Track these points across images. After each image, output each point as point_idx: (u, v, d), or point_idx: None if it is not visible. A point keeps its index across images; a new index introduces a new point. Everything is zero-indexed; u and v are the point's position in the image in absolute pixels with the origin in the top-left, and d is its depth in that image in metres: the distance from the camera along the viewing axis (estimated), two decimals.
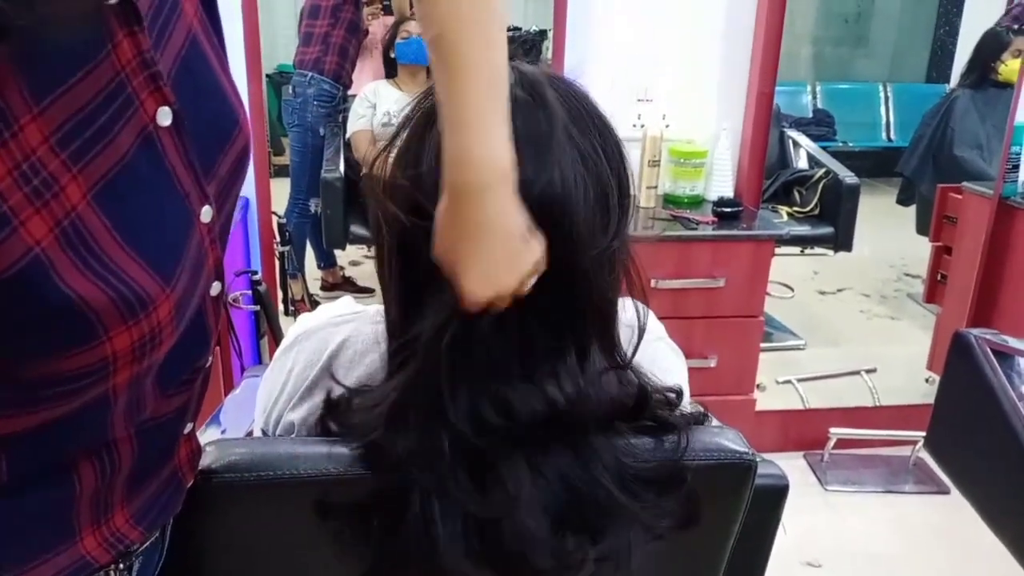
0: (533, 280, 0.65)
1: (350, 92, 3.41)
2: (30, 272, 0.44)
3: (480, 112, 0.60)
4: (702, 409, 0.80)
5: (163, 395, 0.59)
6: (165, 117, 0.51)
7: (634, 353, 0.74)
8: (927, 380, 2.86)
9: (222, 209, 0.59)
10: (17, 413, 0.49)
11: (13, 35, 0.42)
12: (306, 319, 0.82)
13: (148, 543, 0.66)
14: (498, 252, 0.63)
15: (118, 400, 0.53)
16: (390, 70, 3.26)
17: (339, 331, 0.77)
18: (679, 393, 0.76)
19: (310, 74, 3.28)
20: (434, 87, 0.62)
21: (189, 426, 0.66)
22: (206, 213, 0.56)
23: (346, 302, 0.83)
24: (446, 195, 0.62)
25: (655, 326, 0.84)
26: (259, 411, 0.83)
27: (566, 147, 0.67)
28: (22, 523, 0.54)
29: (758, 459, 0.80)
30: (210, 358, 0.65)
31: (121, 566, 0.63)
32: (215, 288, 0.60)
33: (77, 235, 0.46)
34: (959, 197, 2.79)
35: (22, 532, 0.54)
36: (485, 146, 0.60)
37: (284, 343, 0.81)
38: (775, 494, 0.87)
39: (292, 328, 0.83)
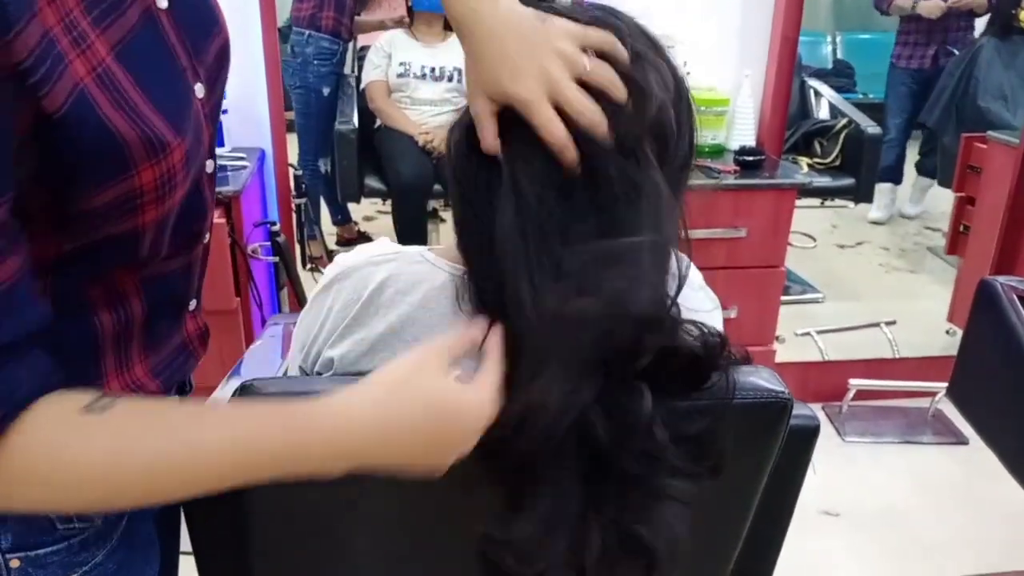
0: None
1: (364, 44, 3.36)
2: (81, 106, 0.54)
3: None
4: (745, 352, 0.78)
5: (171, 247, 0.69)
6: (163, 0, 0.63)
7: (673, 301, 0.72)
8: (948, 332, 2.84)
9: (212, 92, 0.71)
10: (59, 241, 0.60)
11: None
12: (344, 258, 0.81)
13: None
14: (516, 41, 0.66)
15: (146, 236, 0.64)
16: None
17: (380, 270, 0.76)
18: (723, 338, 0.75)
19: (307, 32, 3.20)
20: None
21: (193, 303, 0.78)
22: (199, 89, 0.68)
23: (384, 242, 0.82)
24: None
25: (695, 275, 0.83)
26: (296, 349, 0.83)
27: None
28: (60, 344, 0.59)
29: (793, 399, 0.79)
30: (207, 234, 0.78)
31: None
32: (209, 166, 0.73)
33: (109, 80, 0.56)
34: (983, 147, 2.75)
35: (60, 354, 0.58)
36: None
37: (322, 282, 0.80)
38: (807, 434, 0.86)
39: (329, 268, 0.81)
